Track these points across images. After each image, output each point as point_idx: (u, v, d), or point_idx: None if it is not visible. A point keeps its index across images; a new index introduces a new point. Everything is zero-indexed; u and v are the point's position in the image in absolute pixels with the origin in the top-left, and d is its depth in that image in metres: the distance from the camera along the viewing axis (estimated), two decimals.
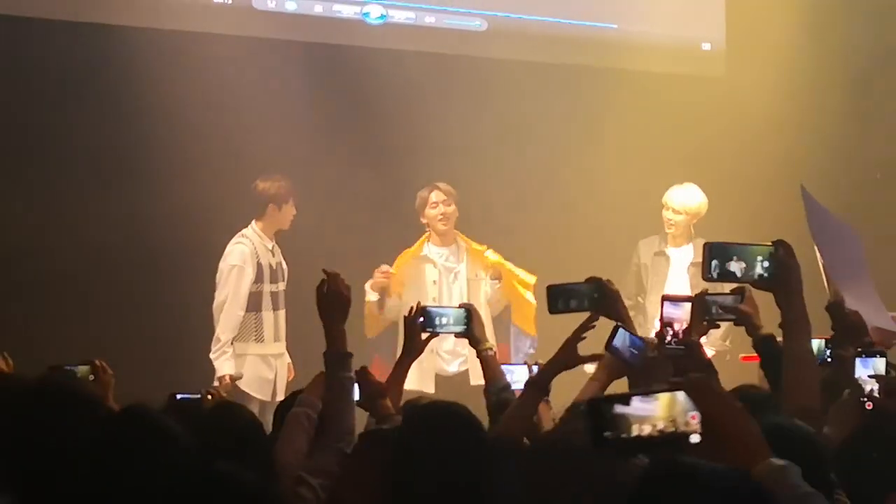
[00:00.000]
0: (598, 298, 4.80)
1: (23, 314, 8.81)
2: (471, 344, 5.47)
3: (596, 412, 2.51)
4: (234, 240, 8.65)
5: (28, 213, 8.99)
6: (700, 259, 8.77)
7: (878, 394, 4.43)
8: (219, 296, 8.52)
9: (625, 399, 2.51)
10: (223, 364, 8.40)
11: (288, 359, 8.66)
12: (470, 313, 5.41)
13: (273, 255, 8.67)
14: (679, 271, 9.15)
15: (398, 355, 5.50)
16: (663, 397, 2.50)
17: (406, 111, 9.80)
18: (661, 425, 2.50)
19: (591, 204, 10.22)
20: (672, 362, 4.38)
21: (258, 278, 8.54)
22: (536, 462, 3.46)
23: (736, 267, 4.04)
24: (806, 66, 10.48)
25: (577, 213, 10.19)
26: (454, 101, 9.99)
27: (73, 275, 9.04)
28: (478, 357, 5.34)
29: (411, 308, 5.49)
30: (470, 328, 5.39)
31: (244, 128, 9.39)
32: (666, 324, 4.37)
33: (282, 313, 8.60)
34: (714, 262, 4.06)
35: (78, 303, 9.08)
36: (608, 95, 10.24)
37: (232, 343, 8.44)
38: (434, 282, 8.80)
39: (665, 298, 4.43)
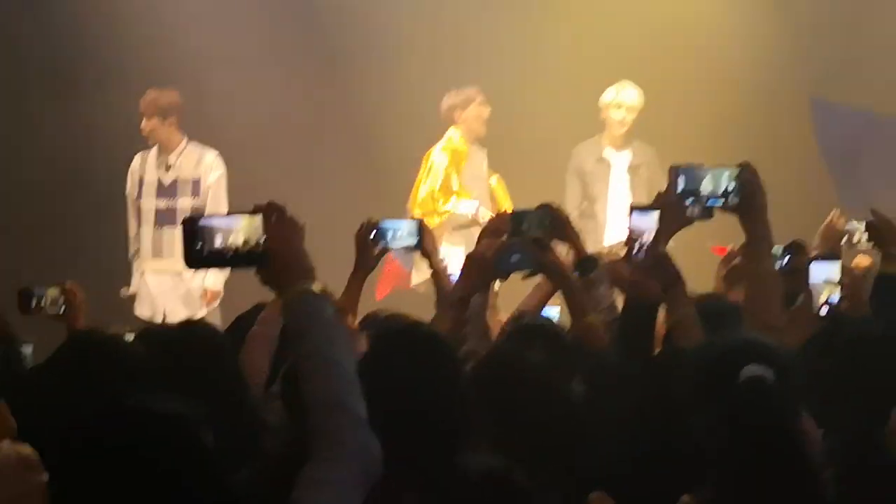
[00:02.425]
0: (550, 224, 4.96)
1: None
2: (423, 255, 5.48)
3: (188, 229, 2.72)
4: None
5: None
6: (638, 161, 9.02)
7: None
8: None
9: (213, 216, 2.77)
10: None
11: (202, 282, 8.58)
12: (421, 226, 5.40)
13: (167, 171, 8.64)
14: (620, 175, 9.25)
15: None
16: (245, 218, 2.73)
17: (348, 14, 9.71)
18: (241, 238, 2.72)
19: (535, 101, 10.06)
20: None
21: (138, 194, 8.63)
22: (488, 381, 3.52)
23: (702, 188, 4.09)
24: None
25: (524, 113, 10.03)
26: (396, 4, 9.90)
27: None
28: (429, 268, 5.39)
29: (362, 224, 5.46)
30: (421, 241, 5.39)
31: (184, 30, 9.25)
32: (634, 235, 4.36)
33: (171, 230, 8.48)
34: (680, 183, 4.09)
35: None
36: None
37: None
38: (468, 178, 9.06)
39: (633, 208, 4.42)
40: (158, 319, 8.23)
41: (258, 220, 2.72)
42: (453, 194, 8.97)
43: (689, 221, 4.40)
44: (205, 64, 9.21)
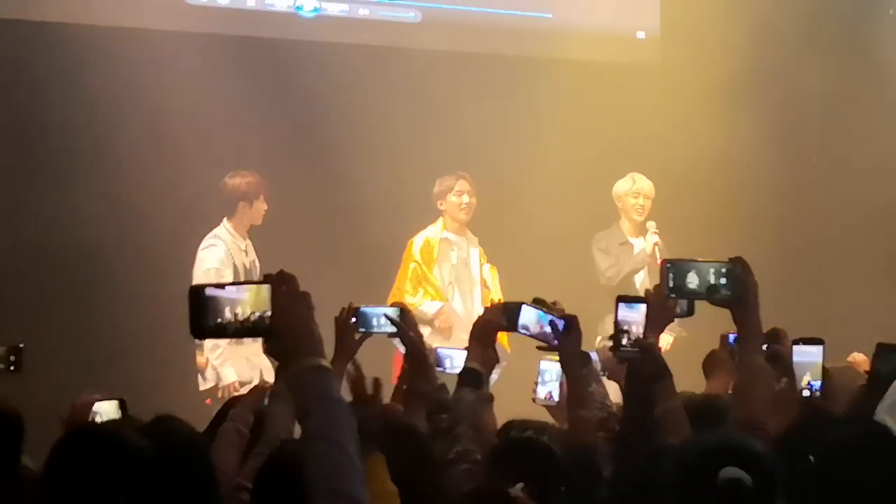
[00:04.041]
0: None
1: None
2: (403, 343, 5.43)
3: (194, 299, 2.64)
4: (205, 242, 8.67)
5: None
6: (651, 250, 9.11)
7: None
8: None
9: (220, 285, 2.68)
10: (228, 372, 8.46)
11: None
12: (403, 313, 5.36)
13: (247, 255, 8.70)
14: (640, 262, 9.37)
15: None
16: (252, 288, 2.66)
17: (341, 104, 9.73)
18: (248, 310, 2.65)
19: (530, 194, 10.15)
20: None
21: (235, 280, 8.49)
22: None
23: (693, 283, 4.11)
24: (740, 50, 10.45)
25: (516, 204, 10.10)
26: (390, 94, 9.93)
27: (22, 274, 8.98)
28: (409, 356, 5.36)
29: (343, 309, 5.43)
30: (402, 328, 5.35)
31: (176, 124, 9.26)
32: (621, 326, 4.35)
33: None
34: (672, 279, 4.09)
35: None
36: (544, 85, 10.20)
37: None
38: (453, 266, 9.02)
39: (620, 300, 4.41)
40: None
41: (265, 290, 2.66)
42: (421, 287, 8.95)
43: (671, 319, 4.45)
44: (201, 149, 9.22)
